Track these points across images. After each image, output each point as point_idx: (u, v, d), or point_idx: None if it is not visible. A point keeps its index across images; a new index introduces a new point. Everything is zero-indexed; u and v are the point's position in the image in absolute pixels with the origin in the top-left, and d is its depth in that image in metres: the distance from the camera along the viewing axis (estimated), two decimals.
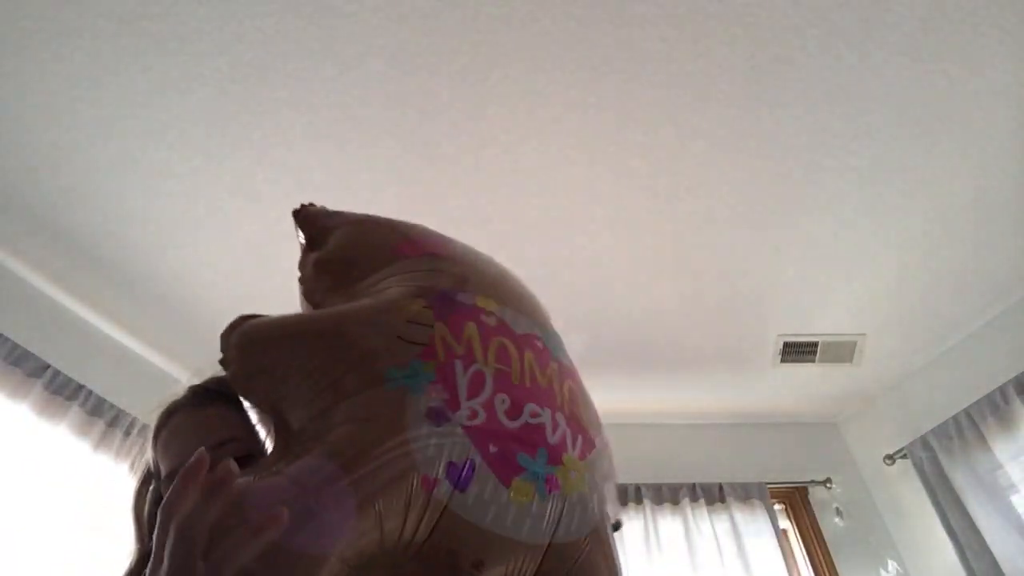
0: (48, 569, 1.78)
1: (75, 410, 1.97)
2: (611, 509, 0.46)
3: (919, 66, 1.42)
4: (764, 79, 1.45)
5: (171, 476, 0.59)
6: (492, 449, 0.37)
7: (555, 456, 0.40)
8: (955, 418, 2.18)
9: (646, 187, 1.73)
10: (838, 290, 2.11)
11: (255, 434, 0.60)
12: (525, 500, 0.37)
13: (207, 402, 0.60)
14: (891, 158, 1.65)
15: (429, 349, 0.41)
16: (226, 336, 0.48)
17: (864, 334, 2.31)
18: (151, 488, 0.64)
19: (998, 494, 2.05)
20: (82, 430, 1.98)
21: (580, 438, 0.43)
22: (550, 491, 0.38)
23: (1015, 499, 2.02)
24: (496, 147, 1.61)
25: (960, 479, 2.12)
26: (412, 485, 0.35)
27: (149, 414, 0.66)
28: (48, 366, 1.92)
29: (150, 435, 0.65)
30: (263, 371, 0.45)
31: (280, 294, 2.06)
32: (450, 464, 0.36)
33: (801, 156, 1.64)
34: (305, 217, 0.60)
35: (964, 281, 2.07)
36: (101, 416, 2.05)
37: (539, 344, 0.47)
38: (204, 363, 2.23)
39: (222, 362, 0.47)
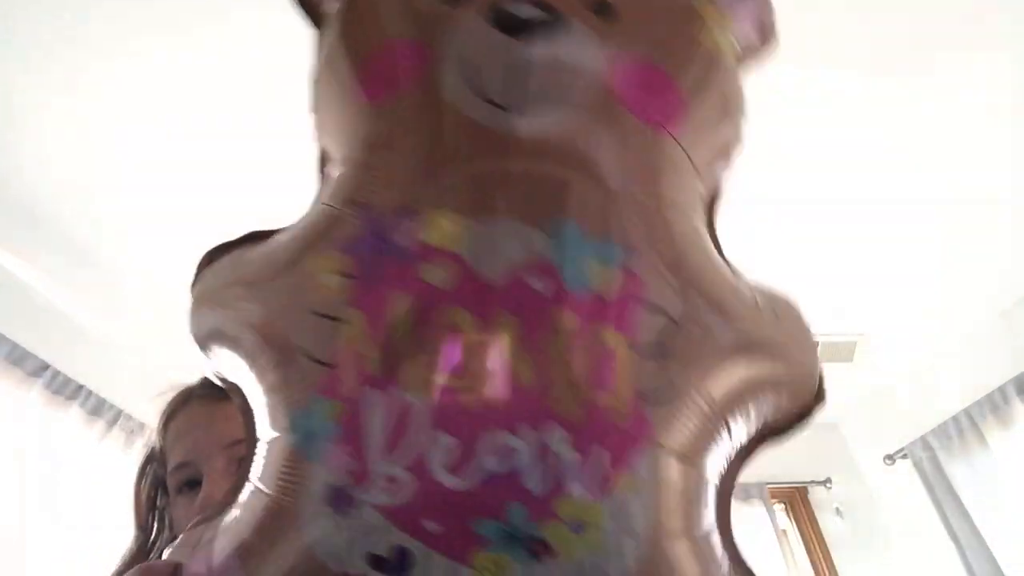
0: (48, 568, 1.78)
1: (75, 410, 1.97)
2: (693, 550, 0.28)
3: (919, 66, 1.42)
4: (764, 79, 1.45)
5: (180, 467, 0.58)
6: (430, 528, 0.24)
7: (542, 508, 0.24)
8: (955, 418, 2.18)
9: None
10: (838, 290, 2.11)
11: None
12: None
13: (222, 395, 0.59)
14: (891, 158, 1.65)
15: (334, 373, 0.27)
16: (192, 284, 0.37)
17: (864, 334, 2.31)
18: (151, 469, 0.62)
19: (998, 494, 2.05)
20: (82, 430, 1.98)
21: (602, 453, 0.25)
22: (539, 559, 0.24)
23: (1015, 499, 2.02)
24: None
25: (960, 479, 2.12)
26: None
27: (157, 396, 0.64)
28: (48, 366, 1.92)
29: (159, 417, 0.63)
30: (216, 343, 0.35)
31: None
32: (373, 560, 0.24)
33: (801, 156, 1.64)
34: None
35: (964, 281, 2.07)
36: (101, 416, 2.05)
37: (535, 282, 0.27)
38: (203, 363, 2.21)
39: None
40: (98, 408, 2.05)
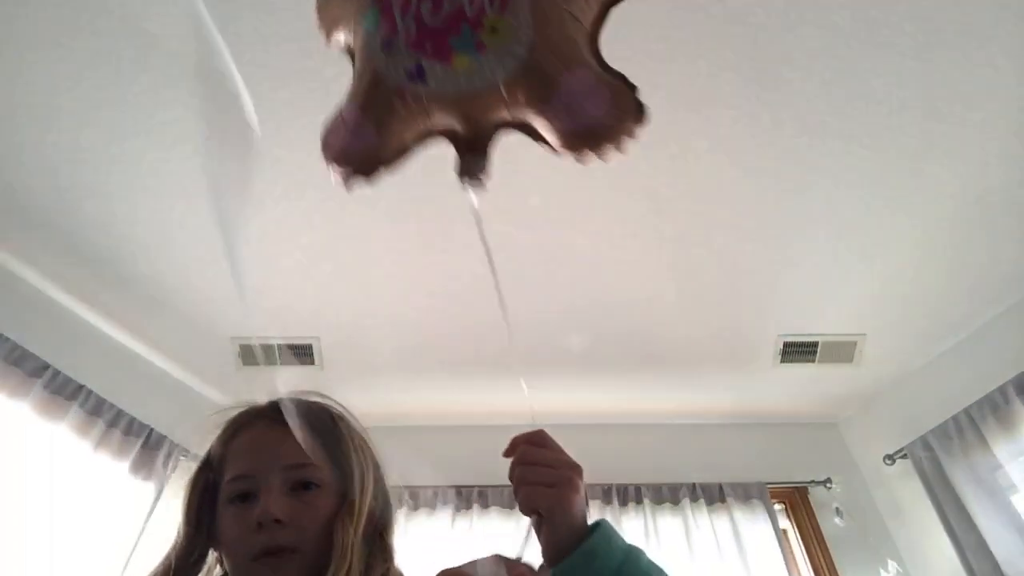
0: (48, 568, 1.78)
1: (75, 410, 1.97)
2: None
3: (919, 66, 1.42)
4: (764, 79, 1.45)
5: (239, 478, 0.63)
6: (429, 47, 0.50)
7: (476, 24, 0.49)
8: (955, 418, 2.18)
9: (646, 187, 1.73)
10: (838, 290, 2.11)
11: (325, 463, 0.63)
12: (469, 65, 0.49)
13: (285, 423, 0.63)
14: (891, 158, 1.65)
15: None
16: None
17: (864, 334, 2.31)
18: (204, 476, 0.67)
19: (998, 494, 2.05)
20: (82, 430, 1.98)
21: None
22: (483, 52, 0.49)
23: (1015, 499, 2.02)
24: (496, 147, 1.61)
25: (960, 479, 2.12)
26: (396, 98, 0.51)
27: (223, 411, 0.70)
28: (48, 366, 1.92)
29: (220, 428, 0.68)
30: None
31: (280, 294, 2.07)
32: (407, 72, 0.50)
33: (801, 156, 1.64)
34: None
35: (964, 281, 2.07)
36: (101, 416, 2.05)
37: None
38: (204, 363, 2.22)
39: None
40: (98, 408, 2.05)
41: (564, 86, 0.50)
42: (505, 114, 0.53)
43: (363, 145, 0.55)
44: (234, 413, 0.70)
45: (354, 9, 0.55)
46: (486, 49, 0.49)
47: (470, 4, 0.50)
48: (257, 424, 0.67)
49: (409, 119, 0.52)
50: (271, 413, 0.67)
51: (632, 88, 0.53)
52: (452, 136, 0.56)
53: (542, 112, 0.51)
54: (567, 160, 0.55)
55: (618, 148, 0.52)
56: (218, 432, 0.68)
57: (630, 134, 0.52)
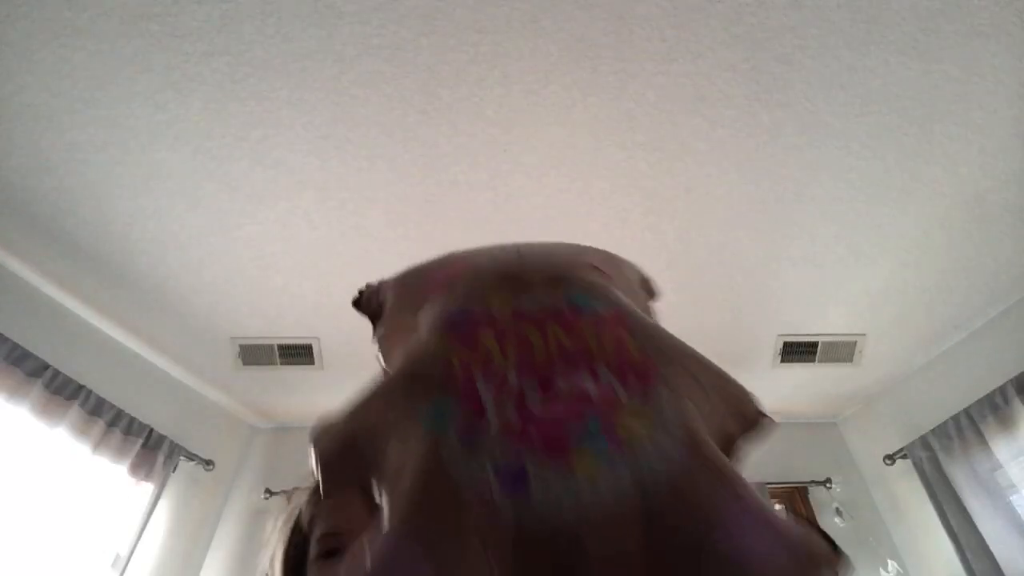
0: (47, 569, 1.78)
1: (75, 410, 1.97)
2: (708, 414, 0.39)
3: (919, 66, 1.42)
4: (764, 79, 1.45)
5: (329, 535, 0.64)
6: (537, 440, 0.35)
7: (607, 412, 0.36)
8: (955, 418, 2.18)
9: (646, 187, 1.73)
10: (838, 290, 2.11)
11: None
12: (594, 470, 0.34)
13: None
14: (891, 158, 1.65)
15: (448, 376, 0.39)
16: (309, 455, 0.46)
17: (864, 334, 2.31)
18: (296, 542, 0.68)
19: (998, 494, 2.05)
20: (82, 430, 1.98)
21: (632, 377, 0.38)
22: (617, 450, 0.34)
23: (1015, 499, 2.02)
24: (496, 147, 1.61)
25: (960, 479, 2.12)
26: (473, 523, 0.32)
27: (309, 471, 0.74)
28: (48, 366, 1.92)
29: (307, 493, 0.69)
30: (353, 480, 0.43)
31: (282, 293, 2.07)
32: (499, 477, 0.33)
33: (801, 156, 1.64)
34: (361, 304, 0.62)
35: (964, 281, 2.07)
36: (101, 416, 2.05)
37: (565, 308, 0.43)
38: (204, 363, 2.22)
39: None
40: (98, 408, 2.05)
41: (723, 532, 0.34)
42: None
43: None
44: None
45: (402, 413, 0.39)
46: (622, 446, 0.35)
47: (595, 382, 0.37)
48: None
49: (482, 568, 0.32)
50: None
51: (827, 541, 0.37)
52: None
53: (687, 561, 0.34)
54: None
55: None
56: (308, 493, 0.69)
57: None
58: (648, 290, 0.65)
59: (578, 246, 0.61)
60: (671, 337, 0.47)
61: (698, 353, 0.47)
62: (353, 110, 1.51)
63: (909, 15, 1.32)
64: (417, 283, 0.58)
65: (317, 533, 0.66)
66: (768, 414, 0.42)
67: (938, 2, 1.30)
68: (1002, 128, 1.57)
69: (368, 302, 0.62)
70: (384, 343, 0.55)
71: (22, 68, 1.40)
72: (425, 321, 0.47)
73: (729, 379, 0.45)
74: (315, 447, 0.42)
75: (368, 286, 0.63)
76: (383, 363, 0.53)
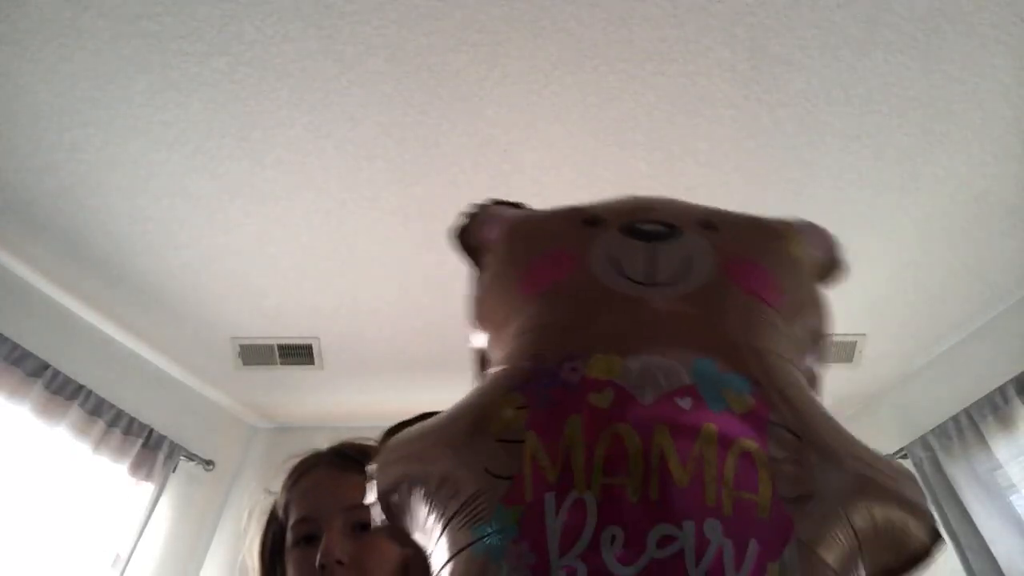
0: (47, 568, 1.78)
1: (75, 410, 1.97)
2: None
3: (919, 66, 1.42)
4: (764, 79, 1.45)
5: (302, 521, 0.66)
6: None
7: None
8: (955, 418, 2.18)
9: (646, 188, 1.73)
10: (837, 290, 2.10)
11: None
12: None
13: (347, 466, 0.67)
14: (891, 158, 1.65)
15: (516, 483, 0.32)
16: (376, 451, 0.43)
17: (864, 334, 2.31)
18: (273, 527, 0.71)
19: (998, 494, 2.05)
20: (82, 430, 1.98)
21: (753, 542, 0.29)
22: None
23: (1015, 499, 2.02)
24: (496, 147, 1.61)
25: (960, 479, 2.12)
26: None
27: (284, 462, 0.74)
28: (48, 366, 1.92)
29: (283, 479, 0.72)
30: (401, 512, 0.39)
31: (282, 293, 2.07)
32: None
33: (801, 156, 1.64)
34: (461, 236, 0.52)
35: (964, 281, 2.07)
36: (101, 416, 2.05)
37: (683, 403, 0.33)
38: (204, 363, 2.23)
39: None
40: (98, 408, 2.05)
41: None
42: None
43: None
44: (297, 460, 0.74)
45: (461, 487, 0.34)
46: None
47: (699, 550, 0.28)
48: (319, 468, 0.71)
49: None
50: (331, 457, 0.71)
51: None
52: None
53: None
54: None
55: None
56: (283, 479, 0.72)
57: None
58: (829, 265, 0.56)
59: (748, 221, 0.52)
60: (828, 439, 0.35)
61: (867, 452, 0.37)
62: (353, 110, 1.51)
63: (909, 15, 1.32)
64: (528, 250, 0.48)
65: (292, 519, 0.66)
66: (941, 536, 0.35)
67: (938, 2, 1.30)
68: (1002, 128, 1.57)
69: (470, 233, 0.53)
70: (478, 306, 0.48)
71: (22, 68, 1.40)
72: (512, 348, 0.41)
73: (906, 499, 0.35)
74: (376, 483, 0.39)
75: (480, 209, 0.54)
76: (477, 323, 0.48)
